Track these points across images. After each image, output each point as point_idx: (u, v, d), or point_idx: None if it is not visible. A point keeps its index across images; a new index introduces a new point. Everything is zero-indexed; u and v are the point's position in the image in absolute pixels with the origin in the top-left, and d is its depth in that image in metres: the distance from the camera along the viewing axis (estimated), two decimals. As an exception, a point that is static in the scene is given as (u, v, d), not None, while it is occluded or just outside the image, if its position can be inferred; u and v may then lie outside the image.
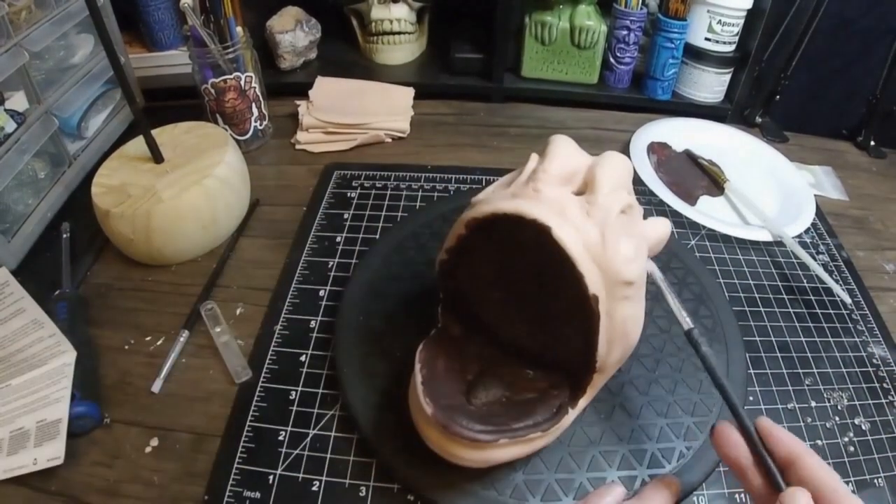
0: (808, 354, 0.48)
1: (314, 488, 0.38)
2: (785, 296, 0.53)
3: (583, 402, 0.38)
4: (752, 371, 0.46)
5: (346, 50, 0.86)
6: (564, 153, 0.37)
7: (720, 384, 0.33)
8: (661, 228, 0.40)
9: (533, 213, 0.32)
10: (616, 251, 0.33)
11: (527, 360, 0.39)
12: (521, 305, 0.39)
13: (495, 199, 0.36)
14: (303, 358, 0.46)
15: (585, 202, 0.35)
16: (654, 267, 0.39)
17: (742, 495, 0.39)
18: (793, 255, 0.56)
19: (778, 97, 0.75)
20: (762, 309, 0.52)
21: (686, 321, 0.36)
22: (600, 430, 0.41)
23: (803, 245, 0.57)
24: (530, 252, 0.35)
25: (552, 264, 0.33)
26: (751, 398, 0.44)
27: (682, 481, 0.35)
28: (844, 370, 0.47)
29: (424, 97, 0.77)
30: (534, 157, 0.38)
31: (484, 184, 0.62)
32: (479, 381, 0.38)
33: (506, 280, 0.38)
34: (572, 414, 0.37)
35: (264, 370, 0.45)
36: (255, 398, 0.43)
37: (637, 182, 0.61)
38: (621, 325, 0.35)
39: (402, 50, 0.83)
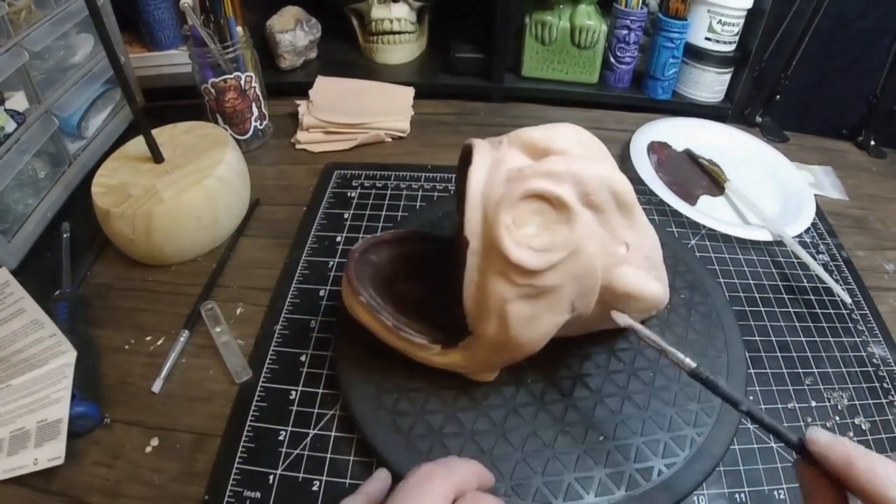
0: (808, 354, 0.48)
1: (314, 488, 0.38)
2: (785, 295, 0.53)
3: (458, 358, 0.39)
4: (752, 371, 0.46)
5: (346, 50, 0.86)
6: (553, 132, 0.36)
7: (744, 411, 0.31)
8: (640, 284, 0.37)
9: (474, 145, 0.36)
10: (503, 220, 0.33)
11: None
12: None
13: None
14: (303, 358, 0.46)
15: (516, 169, 0.34)
16: (629, 320, 0.37)
17: (742, 495, 0.39)
18: (793, 254, 0.56)
19: (778, 97, 0.75)
20: (762, 309, 0.52)
21: (687, 362, 0.33)
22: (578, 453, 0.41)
23: (803, 245, 0.57)
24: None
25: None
26: (751, 398, 0.44)
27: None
28: (844, 370, 0.47)
29: (424, 97, 0.77)
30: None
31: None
32: (415, 277, 0.44)
33: None
34: (436, 357, 0.39)
35: (264, 370, 0.45)
36: (256, 398, 0.43)
37: (637, 182, 0.61)
38: (497, 302, 0.34)
39: (403, 50, 0.83)
